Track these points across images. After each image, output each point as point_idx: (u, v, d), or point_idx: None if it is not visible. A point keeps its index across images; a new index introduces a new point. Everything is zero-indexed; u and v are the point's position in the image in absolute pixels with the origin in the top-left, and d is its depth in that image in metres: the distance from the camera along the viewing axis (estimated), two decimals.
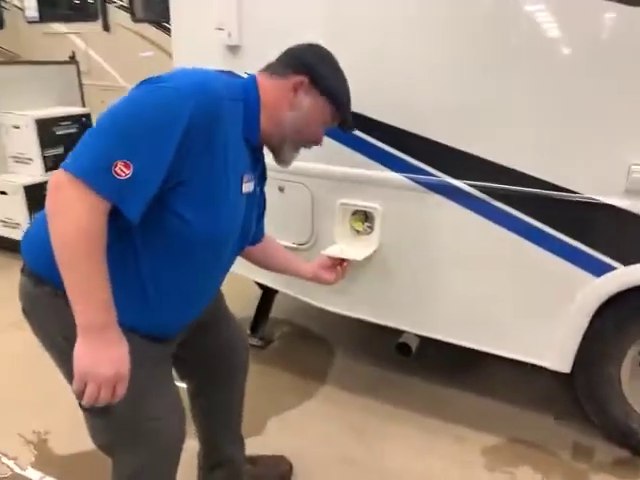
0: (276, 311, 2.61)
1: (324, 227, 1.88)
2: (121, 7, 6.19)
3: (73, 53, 4.40)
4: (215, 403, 1.45)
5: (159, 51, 5.85)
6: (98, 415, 1.02)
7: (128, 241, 0.99)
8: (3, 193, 3.32)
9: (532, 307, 1.68)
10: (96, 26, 6.27)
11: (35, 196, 3.30)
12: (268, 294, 2.50)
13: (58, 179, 0.88)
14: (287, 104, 1.15)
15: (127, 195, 0.89)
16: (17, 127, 3.28)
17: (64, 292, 0.90)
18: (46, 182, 0.95)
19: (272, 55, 1.77)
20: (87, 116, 3.61)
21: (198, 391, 1.46)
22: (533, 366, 1.74)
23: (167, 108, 0.92)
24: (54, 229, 0.88)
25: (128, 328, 0.98)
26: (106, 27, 6.14)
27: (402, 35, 1.59)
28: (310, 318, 2.73)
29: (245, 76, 1.19)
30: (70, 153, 0.91)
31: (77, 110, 3.56)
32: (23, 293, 1.12)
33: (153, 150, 0.90)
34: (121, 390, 0.94)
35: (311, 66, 1.16)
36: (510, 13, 1.46)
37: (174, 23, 1.94)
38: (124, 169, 0.87)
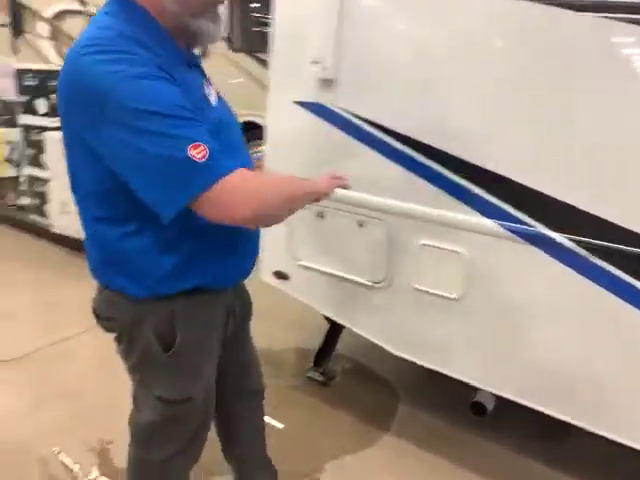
0: (341, 346, 2.54)
1: (402, 267, 1.81)
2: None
3: None
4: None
5: (248, 79, 6.17)
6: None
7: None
8: None
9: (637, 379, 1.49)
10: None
11: None
12: (335, 328, 2.43)
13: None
14: None
15: None
16: None
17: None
18: None
19: (365, 89, 1.82)
20: None
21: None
22: None
23: None
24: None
25: (213, 284, 1.18)
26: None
27: (503, 80, 1.52)
28: (376, 358, 2.62)
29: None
30: None
31: None
32: (111, 307, 1.22)
33: None
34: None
35: None
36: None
37: (273, 55, 1.98)
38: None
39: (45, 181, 3.96)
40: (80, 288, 3.26)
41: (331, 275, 2.00)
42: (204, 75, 1.19)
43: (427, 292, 1.74)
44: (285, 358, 2.69)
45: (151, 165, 0.93)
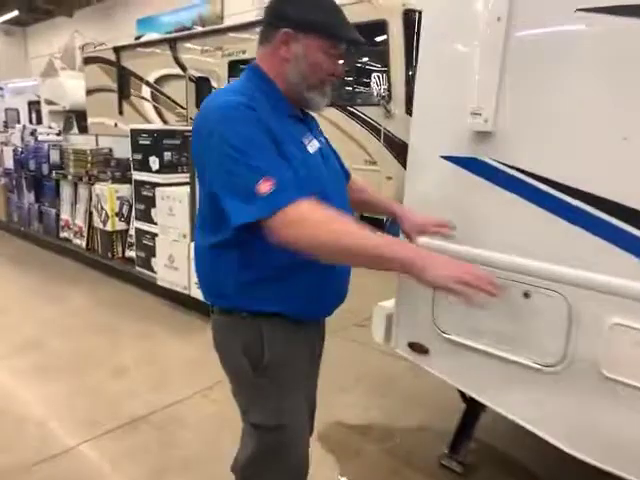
0: (482, 432, 2.21)
1: (584, 349, 1.50)
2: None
3: None
4: None
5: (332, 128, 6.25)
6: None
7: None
8: None
9: None
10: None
11: None
12: (475, 410, 2.12)
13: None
14: (285, 62, 1.19)
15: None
16: None
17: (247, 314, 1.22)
18: None
19: (537, 141, 1.61)
20: None
21: None
22: None
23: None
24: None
25: (294, 314, 1.23)
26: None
27: None
28: (525, 448, 2.25)
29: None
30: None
31: None
32: (213, 328, 1.32)
33: None
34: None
35: (287, 14, 1.16)
36: None
37: (416, 108, 1.82)
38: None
39: (153, 235, 4.05)
40: (185, 345, 3.27)
41: (485, 353, 1.73)
42: (310, 129, 1.31)
43: (624, 383, 1.42)
44: (411, 440, 2.39)
45: (230, 186, 1.10)
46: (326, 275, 1.24)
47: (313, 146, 1.25)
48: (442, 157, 1.75)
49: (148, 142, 3.98)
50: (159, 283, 3.97)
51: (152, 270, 4.15)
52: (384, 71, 6.01)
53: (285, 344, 1.25)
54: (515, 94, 1.57)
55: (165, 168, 3.95)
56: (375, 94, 6.04)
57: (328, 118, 6.55)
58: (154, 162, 3.97)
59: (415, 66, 6.16)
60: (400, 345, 1.97)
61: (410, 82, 6.04)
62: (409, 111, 6.07)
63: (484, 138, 1.63)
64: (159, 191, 3.84)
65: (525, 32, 1.55)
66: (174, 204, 3.72)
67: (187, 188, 3.64)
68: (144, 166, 4.05)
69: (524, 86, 1.56)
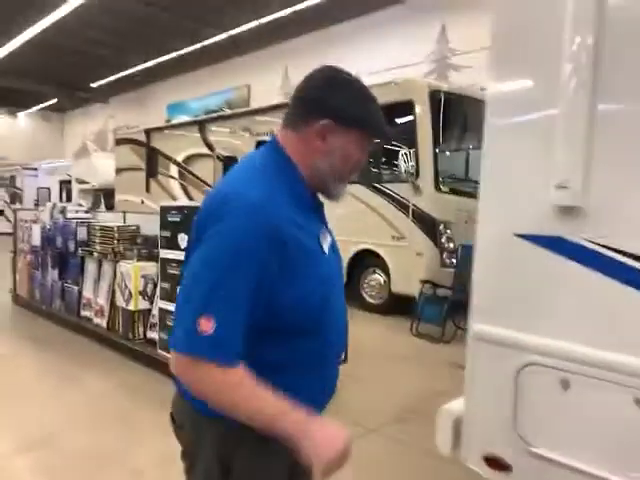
0: None
1: None
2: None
3: None
4: None
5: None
6: None
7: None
8: None
9: None
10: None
11: None
12: None
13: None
14: (318, 153, 1.10)
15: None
16: None
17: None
18: None
19: (630, 221, 1.36)
20: None
21: None
22: None
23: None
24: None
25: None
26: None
27: None
28: None
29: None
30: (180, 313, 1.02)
31: None
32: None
33: None
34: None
35: (329, 105, 1.08)
36: None
37: (486, 184, 1.64)
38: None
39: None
40: None
41: (584, 473, 1.41)
42: (323, 221, 1.19)
43: None
44: None
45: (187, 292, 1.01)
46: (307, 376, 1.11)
47: (327, 242, 1.14)
48: (517, 235, 1.54)
49: (177, 219, 3.88)
50: None
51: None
52: (411, 149, 6.01)
53: (261, 452, 1.08)
54: (608, 163, 1.38)
55: None
56: (403, 171, 6.01)
57: (355, 195, 6.52)
58: (182, 239, 3.85)
59: (441, 144, 6.24)
60: (472, 458, 1.65)
61: (437, 160, 6.03)
62: (437, 187, 6.01)
63: (569, 213, 1.42)
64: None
65: (614, 100, 1.38)
66: None
67: None
68: (172, 243, 3.92)
69: (617, 156, 1.38)
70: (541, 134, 1.49)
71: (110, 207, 12.21)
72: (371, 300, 6.64)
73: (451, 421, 1.71)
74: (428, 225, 6.00)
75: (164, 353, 4.01)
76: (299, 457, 0.95)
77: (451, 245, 5.99)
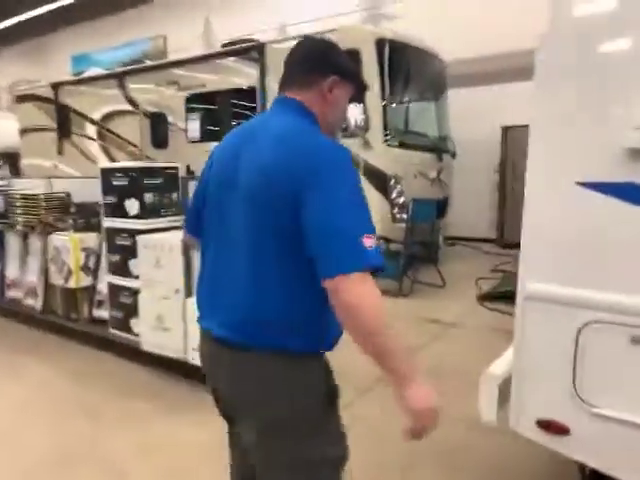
0: None
1: None
2: None
3: None
4: None
5: None
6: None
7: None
8: None
9: None
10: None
11: None
12: None
13: None
14: (330, 105, 1.27)
15: None
16: None
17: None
18: None
19: None
20: None
21: None
22: None
23: None
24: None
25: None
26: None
27: None
28: None
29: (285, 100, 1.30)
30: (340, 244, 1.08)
31: None
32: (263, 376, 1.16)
33: None
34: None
35: (334, 63, 1.27)
36: None
37: (536, 125, 1.47)
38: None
39: (134, 291, 3.44)
40: (193, 427, 2.67)
41: None
42: None
43: None
44: None
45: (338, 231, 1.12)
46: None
47: None
48: (579, 184, 1.40)
49: (124, 183, 3.42)
50: (144, 348, 3.35)
51: (131, 332, 3.52)
52: (359, 102, 5.79)
53: (329, 374, 1.28)
54: None
55: (146, 212, 3.39)
56: (353, 125, 5.79)
57: None
58: (132, 206, 3.41)
59: (389, 96, 6.14)
60: (524, 424, 1.56)
61: (386, 112, 5.87)
62: (386, 141, 5.89)
63: None
64: (141, 239, 3.27)
65: None
66: (162, 254, 3.16)
67: (179, 234, 3.10)
68: (119, 211, 3.47)
69: None
70: (616, 74, 1.33)
71: (16, 173, 10.91)
72: None
73: (496, 386, 1.60)
74: (379, 180, 5.88)
75: (118, 332, 3.62)
76: (398, 403, 1.06)
77: (402, 200, 5.94)
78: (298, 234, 1.09)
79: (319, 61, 1.27)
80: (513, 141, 7.62)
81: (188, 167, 6.42)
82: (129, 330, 3.52)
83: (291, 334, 1.15)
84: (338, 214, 1.06)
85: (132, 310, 3.46)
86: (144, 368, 3.39)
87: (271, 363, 1.15)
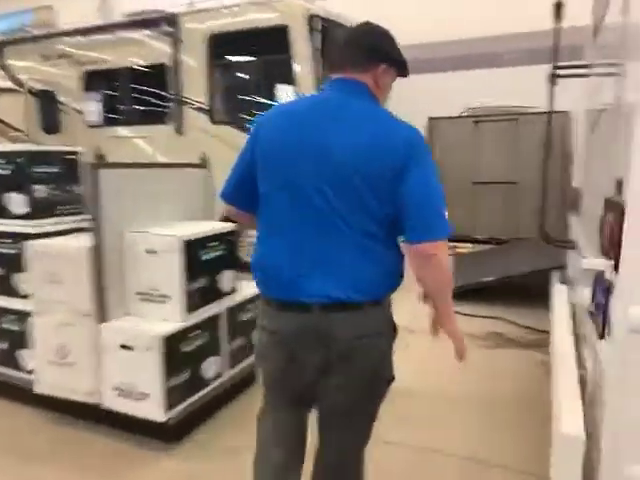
0: None
1: None
2: (199, 109, 5.73)
3: (204, 154, 3.62)
4: None
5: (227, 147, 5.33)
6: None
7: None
8: (127, 348, 2.25)
9: None
10: (167, 129, 5.86)
11: (174, 351, 2.25)
12: None
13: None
14: (379, 88, 1.41)
15: None
16: (153, 252, 2.30)
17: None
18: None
19: None
20: (233, 234, 2.66)
21: None
22: None
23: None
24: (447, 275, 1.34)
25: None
26: (179, 130, 5.68)
27: None
28: None
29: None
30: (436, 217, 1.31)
31: (225, 226, 2.61)
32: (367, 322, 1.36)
33: None
34: None
35: (384, 52, 1.40)
36: None
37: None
38: None
39: (22, 315, 2.61)
40: None
41: None
42: None
43: None
44: None
45: (438, 204, 1.38)
46: None
47: None
48: None
49: (6, 172, 2.57)
50: (37, 390, 2.54)
51: (19, 368, 2.69)
52: (289, 83, 5.23)
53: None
54: None
55: (37, 210, 2.57)
56: None
57: (223, 138, 5.55)
58: (17, 202, 2.58)
59: (323, 77, 5.51)
60: None
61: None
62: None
63: None
64: (32, 246, 2.46)
65: None
66: (61, 266, 2.39)
67: (84, 238, 2.35)
68: None
69: None
70: None
71: None
72: (244, 256, 5.86)
73: (581, 453, 1.14)
74: None
75: (3, 369, 2.76)
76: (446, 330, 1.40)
77: None
78: (391, 202, 1.28)
79: (375, 48, 1.39)
80: (438, 133, 7.45)
81: (97, 154, 5.53)
82: (15, 365, 2.69)
83: (382, 288, 1.37)
84: (434, 189, 1.30)
85: (20, 340, 2.63)
86: (41, 415, 2.58)
87: (380, 309, 1.38)
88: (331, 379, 1.37)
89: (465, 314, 4.10)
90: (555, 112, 2.68)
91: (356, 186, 1.26)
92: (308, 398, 1.45)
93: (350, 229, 1.29)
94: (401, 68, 1.43)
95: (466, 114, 6.84)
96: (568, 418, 1.19)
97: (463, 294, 4.37)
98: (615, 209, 1.15)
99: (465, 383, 2.97)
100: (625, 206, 1.07)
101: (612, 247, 1.15)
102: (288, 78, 5.30)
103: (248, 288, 2.81)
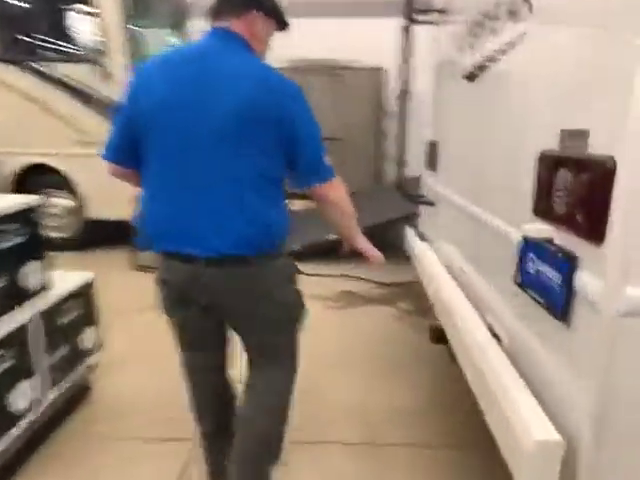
0: None
1: None
2: None
3: None
4: None
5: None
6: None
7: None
8: None
9: None
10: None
11: None
12: None
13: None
14: (255, 37, 1.40)
15: None
16: None
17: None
18: None
19: None
20: (37, 210, 1.93)
21: None
22: None
23: None
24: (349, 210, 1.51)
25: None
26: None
27: None
28: None
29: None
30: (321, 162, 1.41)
31: (25, 201, 1.85)
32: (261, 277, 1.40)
33: None
34: None
35: (259, 1, 1.40)
36: None
37: None
38: None
39: None
40: None
41: None
42: None
43: None
44: None
45: (321, 149, 1.49)
46: None
47: None
48: None
49: None
50: None
51: None
52: (96, 16, 4.21)
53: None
54: None
55: None
56: (84, 47, 4.20)
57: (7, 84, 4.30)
58: None
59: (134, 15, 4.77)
60: None
61: (130, 35, 4.43)
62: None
63: None
64: None
65: None
66: None
67: None
68: None
69: None
70: None
71: None
72: (57, 234, 4.79)
73: (559, 459, 0.96)
74: None
75: None
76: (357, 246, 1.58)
77: None
78: (277, 156, 1.33)
79: None
80: None
81: None
82: None
83: (271, 240, 1.39)
84: (316, 136, 1.39)
85: None
86: None
87: (271, 261, 1.40)
88: (233, 324, 1.48)
89: (310, 274, 3.93)
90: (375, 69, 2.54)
91: (238, 139, 1.28)
92: (215, 342, 1.53)
93: (235, 182, 1.30)
94: (279, 20, 1.45)
95: (288, 67, 6.54)
96: (536, 421, 1.00)
97: (306, 253, 4.21)
98: (584, 166, 0.95)
99: (322, 345, 2.79)
100: (612, 165, 0.86)
101: (582, 213, 0.95)
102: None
103: (67, 280, 2.13)
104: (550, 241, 1.11)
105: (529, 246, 1.21)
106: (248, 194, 1.30)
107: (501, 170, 1.55)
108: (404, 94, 2.70)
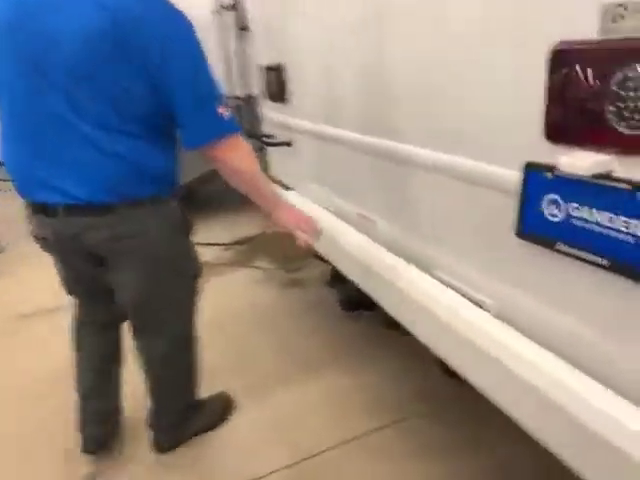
0: None
1: None
2: None
3: None
4: None
5: None
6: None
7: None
8: None
9: None
10: None
11: None
12: None
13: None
14: None
15: None
16: None
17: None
18: None
19: None
20: None
21: None
22: None
23: None
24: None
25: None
26: None
27: None
28: None
29: None
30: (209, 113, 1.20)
31: None
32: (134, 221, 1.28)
33: None
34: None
35: None
36: None
37: None
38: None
39: None
40: None
41: None
42: None
43: None
44: None
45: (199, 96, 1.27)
46: None
47: None
48: None
49: None
50: None
51: None
52: None
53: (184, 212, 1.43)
54: None
55: None
56: None
57: None
58: None
59: None
60: None
61: None
62: None
63: None
64: None
65: None
66: None
67: None
68: None
69: None
70: None
71: None
72: None
73: None
74: None
75: None
76: (278, 225, 1.36)
77: None
78: (145, 100, 1.15)
79: None
80: None
81: None
82: None
83: (140, 187, 1.25)
84: (199, 82, 1.16)
85: None
86: None
87: (142, 210, 1.27)
88: (111, 276, 1.36)
89: None
90: None
91: (94, 79, 1.12)
92: (102, 292, 1.43)
93: (91, 125, 1.16)
94: None
95: None
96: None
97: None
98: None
99: None
100: None
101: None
102: None
103: None
104: (604, 175, 0.77)
105: (547, 183, 0.87)
106: (110, 138, 1.16)
107: (458, 83, 1.09)
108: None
